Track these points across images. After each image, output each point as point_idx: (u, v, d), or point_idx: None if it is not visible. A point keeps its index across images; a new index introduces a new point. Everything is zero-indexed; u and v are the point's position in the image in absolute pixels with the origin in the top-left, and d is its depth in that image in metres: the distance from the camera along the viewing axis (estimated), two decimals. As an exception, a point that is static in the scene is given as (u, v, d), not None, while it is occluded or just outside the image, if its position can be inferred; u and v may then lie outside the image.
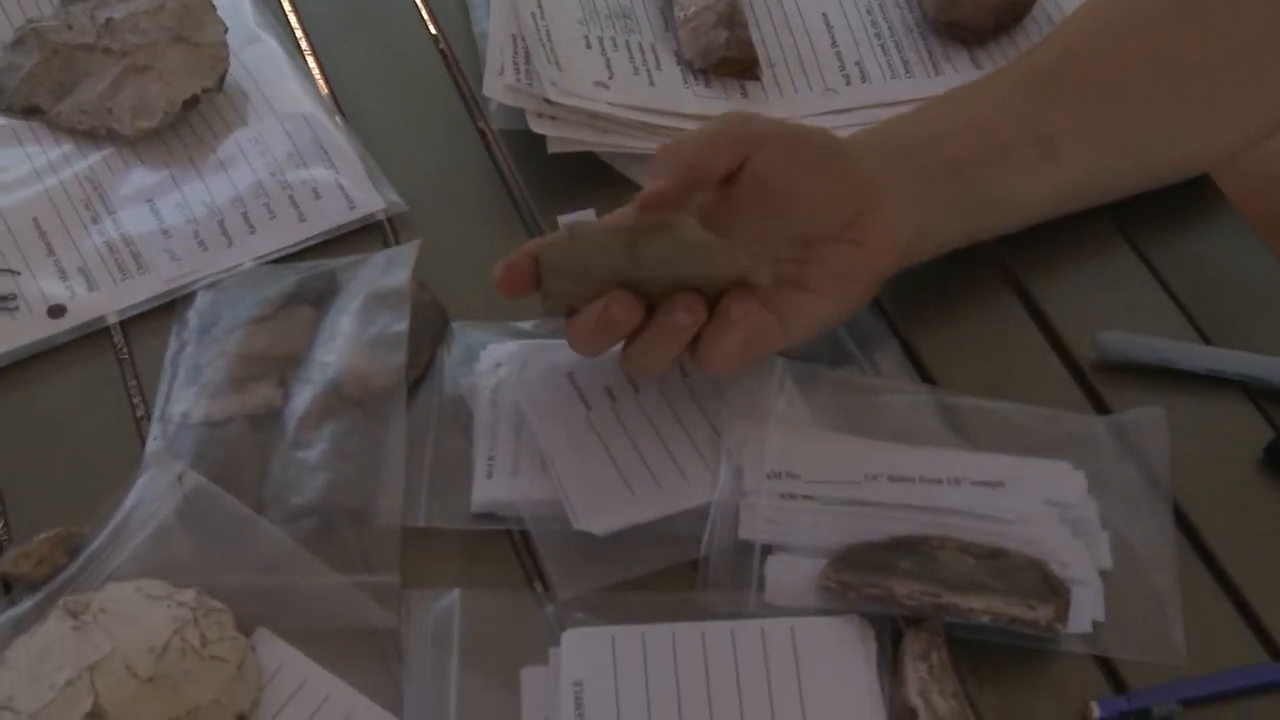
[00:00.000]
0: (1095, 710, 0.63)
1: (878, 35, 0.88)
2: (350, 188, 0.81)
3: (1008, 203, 0.74)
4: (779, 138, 0.70)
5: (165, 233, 0.80)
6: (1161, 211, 0.80)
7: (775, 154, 0.69)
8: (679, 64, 0.86)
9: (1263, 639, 0.66)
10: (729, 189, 0.69)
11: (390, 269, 0.76)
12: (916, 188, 0.71)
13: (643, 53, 0.86)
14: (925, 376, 0.74)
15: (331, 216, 0.80)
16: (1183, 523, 0.69)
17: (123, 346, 0.77)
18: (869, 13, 0.89)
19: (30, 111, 0.84)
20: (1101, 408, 0.73)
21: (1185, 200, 0.80)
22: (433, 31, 0.91)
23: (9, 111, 0.84)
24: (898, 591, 0.64)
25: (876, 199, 0.70)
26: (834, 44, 0.88)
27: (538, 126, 0.81)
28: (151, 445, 0.71)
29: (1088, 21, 0.78)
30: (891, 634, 0.65)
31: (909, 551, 0.65)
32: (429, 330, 0.75)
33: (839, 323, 0.73)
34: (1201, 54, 0.76)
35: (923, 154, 0.72)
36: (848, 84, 0.86)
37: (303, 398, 0.72)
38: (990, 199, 0.73)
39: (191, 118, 0.84)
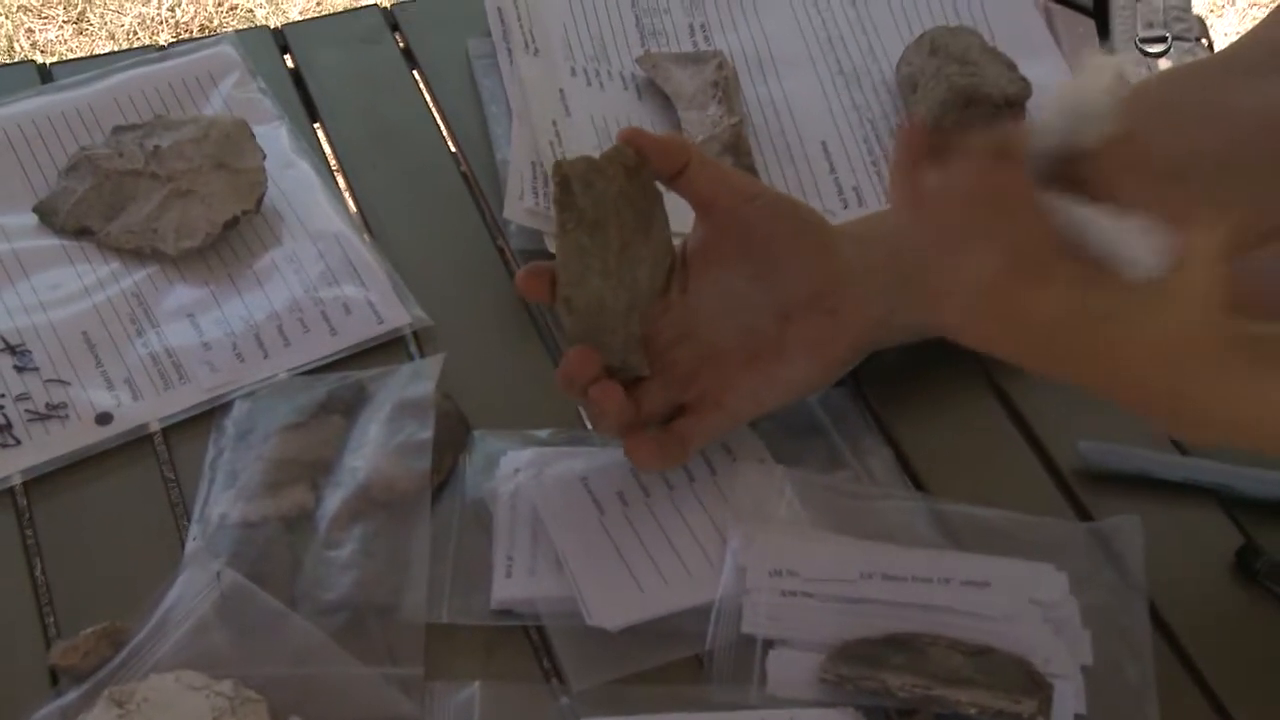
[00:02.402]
0: (1076, 799, 0.67)
1: (873, 162, 0.94)
2: (378, 304, 0.85)
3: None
4: (772, 197, 0.76)
5: (205, 345, 0.83)
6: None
7: (766, 210, 0.74)
8: (687, 189, 0.91)
9: (1235, 733, 0.70)
10: (715, 242, 0.74)
11: (416, 380, 0.80)
12: (885, 271, 0.74)
13: (653, 178, 0.91)
14: (916, 483, 0.78)
15: (361, 331, 0.84)
16: (1159, 623, 0.73)
17: (164, 452, 0.79)
18: (864, 140, 0.95)
19: (81, 232, 0.88)
20: (1083, 513, 0.77)
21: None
22: (456, 157, 0.96)
23: (62, 232, 0.88)
24: (891, 684, 0.68)
25: (850, 274, 0.74)
26: (832, 170, 0.93)
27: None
28: (191, 545, 0.74)
29: None
30: (885, 724, 0.69)
31: (902, 647, 0.69)
32: (452, 438, 0.78)
33: (813, 392, 0.78)
34: (1166, 168, 0.79)
35: (891, 240, 0.74)
36: (845, 208, 0.91)
37: (333, 500, 0.75)
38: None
39: (231, 237, 0.88)
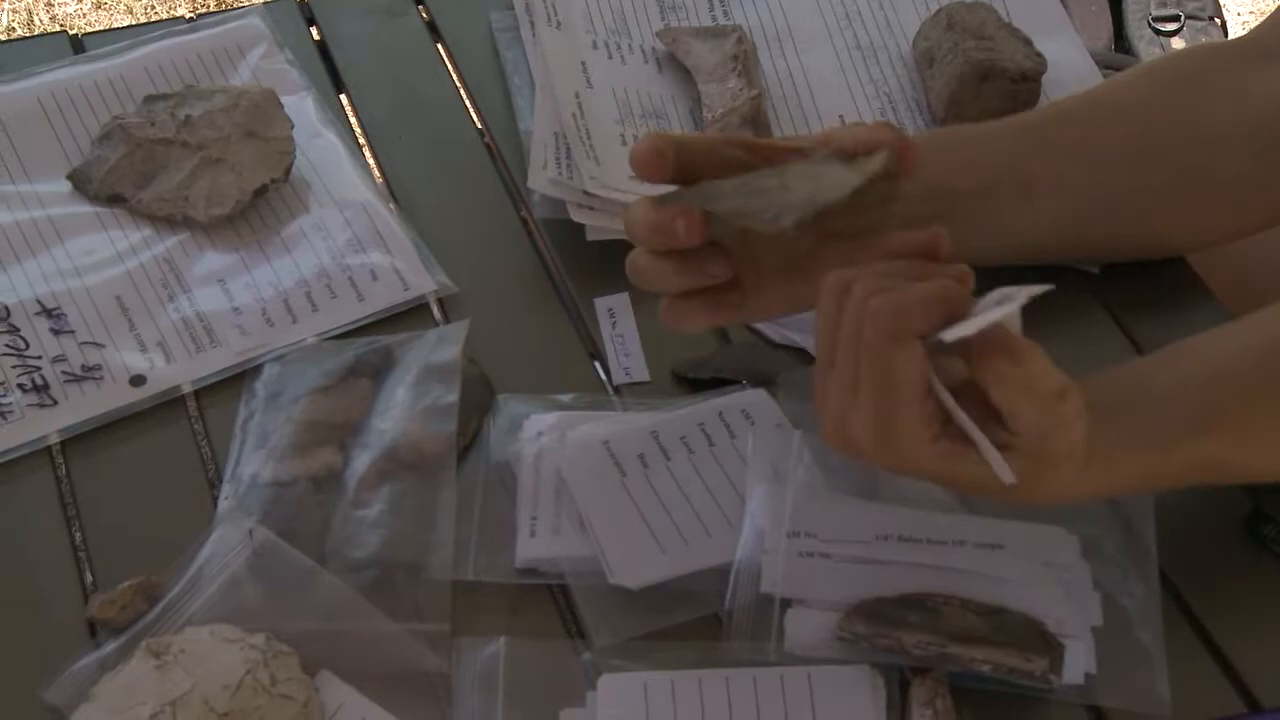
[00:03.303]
0: (1086, 753, 0.68)
1: (890, 135, 0.95)
2: (404, 271, 0.87)
3: (982, 233, 0.80)
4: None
5: (235, 310, 0.85)
6: (1148, 296, 0.86)
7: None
8: (707, 160, 0.92)
9: (1241, 691, 0.72)
10: None
11: (441, 345, 0.82)
12: (921, 201, 0.75)
13: (673, 150, 0.93)
14: (932, 448, 0.80)
15: (387, 297, 0.86)
16: (1168, 586, 0.75)
17: (196, 413, 0.81)
18: (881, 114, 0.96)
19: (114, 200, 0.89)
20: (1094, 479, 0.79)
21: (1169, 287, 0.87)
22: (479, 128, 0.97)
23: (95, 200, 0.89)
24: (906, 642, 0.70)
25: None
26: (849, 143, 0.95)
27: (577, 216, 0.87)
28: (223, 503, 0.76)
29: (1085, 94, 0.85)
30: (899, 681, 0.70)
31: (916, 606, 0.71)
32: (477, 402, 0.80)
33: None
34: (1179, 137, 0.81)
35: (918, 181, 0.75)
36: (862, 180, 0.93)
37: (361, 462, 0.77)
38: (968, 227, 0.78)
39: (260, 205, 0.90)
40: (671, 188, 0.71)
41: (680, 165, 0.71)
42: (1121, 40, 1.90)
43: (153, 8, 2.46)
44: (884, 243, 0.68)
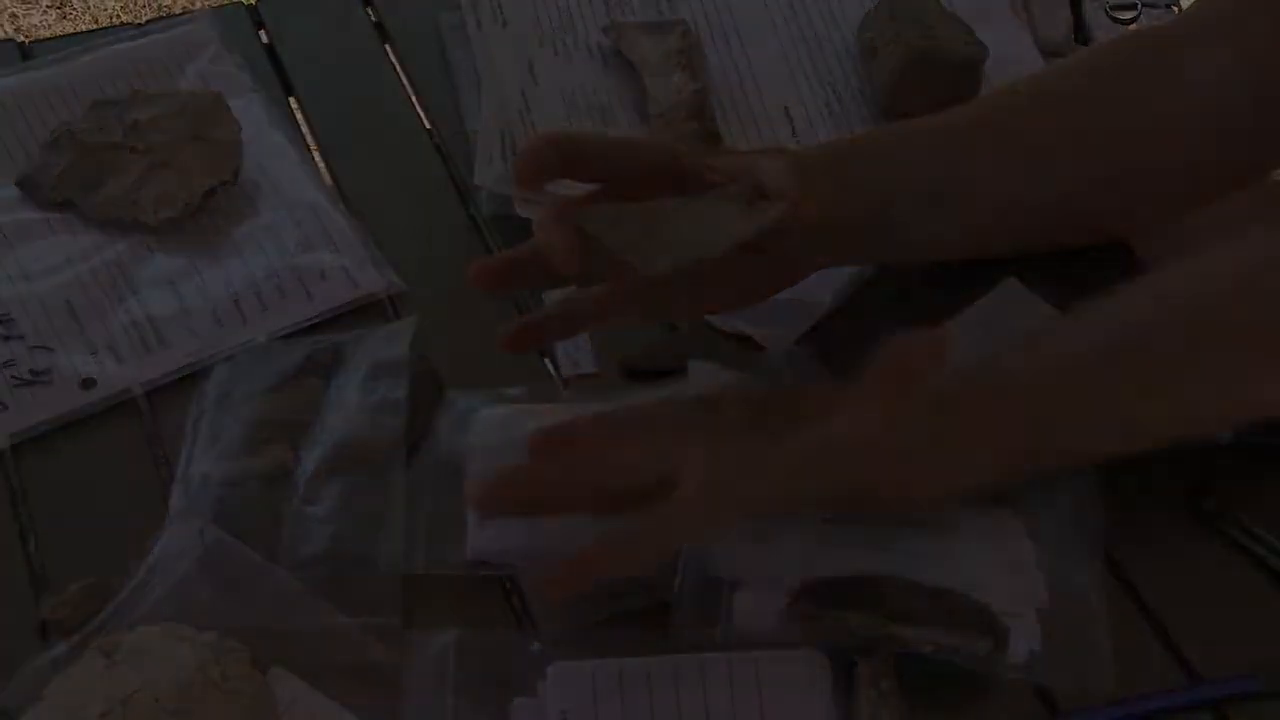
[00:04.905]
0: (1030, 730, 0.69)
1: (835, 125, 0.96)
2: (353, 269, 0.88)
3: (920, 239, 0.79)
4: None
5: (185, 312, 0.85)
6: (1088, 280, 0.87)
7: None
8: (653, 154, 0.93)
9: (1183, 666, 0.73)
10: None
11: (390, 342, 0.82)
12: (844, 223, 0.76)
13: (620, 144, 0.93)
14: (878, 433, 0.81)
15: (337, 296, 0.86)
16: (1112, 563, 0.75)
17: (148, 415, 0.82)
18: (826, 104, 0.97)
19: (63, 205, 0.90)
20: (1039, 460, 0.80)
21: (1110, 270, 0.87)
22: (427, 127, 0.98)
23: (44, 205, 0.90)
24: (852, 622, 0.70)
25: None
26: (794, 134, 0.96)
27: (524, 211, 0.87)
28: (175, 503, 0.76)
29: (1014, 86, 0.85)
30: (846, 663, 0.70)
31: (862, 587, 0.71)
32: (426, 397, 0.81)
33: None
34: (1116, 128, 0.80)
35: (857, 193, 0.77)
36: (808, 170, 0.94)
37: (311, 459, 0.77)
38: (905, 236, 0.79)
39: (209, 208, 0.90)
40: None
41: (580, 167, 0.72)
42: (1081, 30, 1.91)
43: (117, 17, 2.45)
44: None
